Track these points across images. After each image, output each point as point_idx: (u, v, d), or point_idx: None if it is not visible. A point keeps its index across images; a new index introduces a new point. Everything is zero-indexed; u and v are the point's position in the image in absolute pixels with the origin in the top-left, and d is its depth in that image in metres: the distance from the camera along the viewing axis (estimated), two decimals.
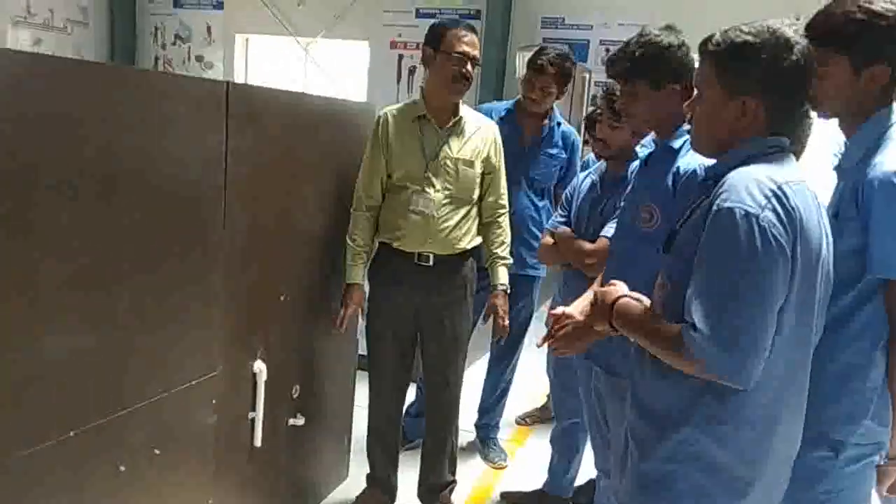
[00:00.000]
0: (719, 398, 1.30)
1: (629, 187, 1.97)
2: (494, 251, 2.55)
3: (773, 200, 1.24)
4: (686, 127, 1.75)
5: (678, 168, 1.78)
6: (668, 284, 1.38)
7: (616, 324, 1.44)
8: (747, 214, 1.22)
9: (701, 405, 1.33)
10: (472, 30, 2.35)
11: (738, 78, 1.32)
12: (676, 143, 1.82)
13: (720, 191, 1.28)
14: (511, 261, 2.60)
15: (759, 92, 1.32)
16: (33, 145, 1.38)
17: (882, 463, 1.53)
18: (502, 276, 2.54)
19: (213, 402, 1.97)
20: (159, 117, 1.66)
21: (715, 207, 1.26)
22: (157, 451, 1.78)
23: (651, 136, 1.92)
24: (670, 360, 1.32)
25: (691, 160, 1.75)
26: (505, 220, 2.56)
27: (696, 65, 1.80)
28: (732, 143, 1.35)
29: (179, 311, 1.81)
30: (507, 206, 2.57)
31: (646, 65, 1.80)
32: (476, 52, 2.32)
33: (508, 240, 2.57)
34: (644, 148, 1.93)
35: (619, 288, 1.47)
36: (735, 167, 1.32)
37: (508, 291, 2.56)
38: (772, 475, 1.37)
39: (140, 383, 1.71)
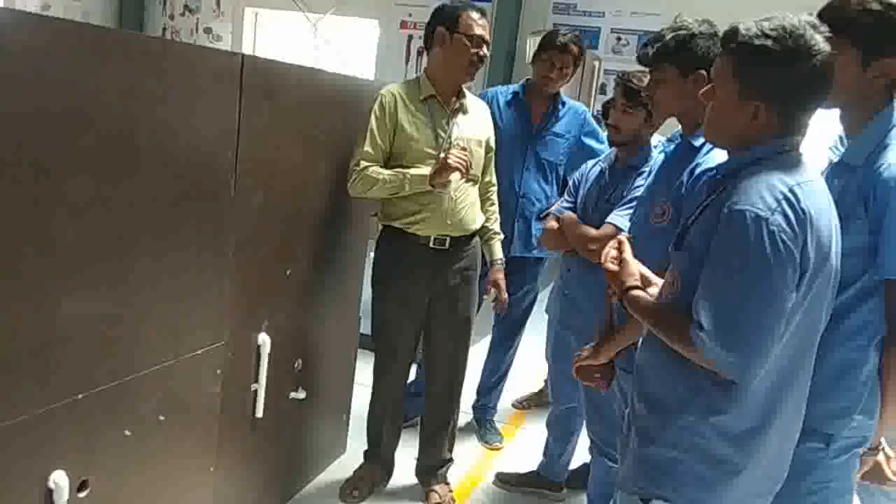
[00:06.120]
0: (720, 387, 1.33)
1: (650, 180, 1.98)
2: (491, 227, 2.63)
3: (784, 204, 1.24)
4: None
5: (696, 166, 1.78)
6: (678, 283, 1.39)
7: (628, 307, 1.47)
8: (757, 217, 1.23)
9: (703, 394, 1.35)
10: (483, 12, 2.38)
11: (754, 83, 1.31)
12: (698, 141, 1.82)
13: (732, 192, 1.29)
14: (503, 236, 2.68)
15: (773, 99, 1.30)
16: (53, 112, 1.39)
17: (863, 451, 1.57)
18: (499, 251, 2.65)
19: (219, 371, 2.00)
20: (175, 87, 1.67)
21: (726, 209, 1.27)
22: (162, 418, 1.81)
23: (677, 129, 1.93)
24: (679, 349, 1.35)
25: (712, 159, 1.75)
26: (495, 196, 2.66)
27: None
28: (744, 141, 1.36)
29: (190, 281, 1.84)
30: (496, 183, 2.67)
31: (674, 50, 1.80)
32: (488, 36, 2.36)
33: (498, 215, 2.67)
34: (671, 143, 1.94)
35: (636, 274, 1.50)
36: (746, 165, 1.33)
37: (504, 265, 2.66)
38: (767, 465, 1.40)
39: (149, 350, 1.74)
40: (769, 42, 1.27)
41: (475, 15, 2.32)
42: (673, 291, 1.41)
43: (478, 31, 2.30)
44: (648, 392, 1.46)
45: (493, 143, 2.55)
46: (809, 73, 1.28)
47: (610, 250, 1.53)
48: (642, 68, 2.09)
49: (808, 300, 1.31)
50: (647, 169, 2.32)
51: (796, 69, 1.27)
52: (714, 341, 1.26)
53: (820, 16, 1.49)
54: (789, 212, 1.24)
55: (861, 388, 1.53)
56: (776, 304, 1.25)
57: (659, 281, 1.50)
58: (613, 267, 1.51)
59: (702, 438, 1.36)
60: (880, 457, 1.59)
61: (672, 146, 1.92)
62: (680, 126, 1.91)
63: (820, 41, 1.28)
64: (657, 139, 2.43)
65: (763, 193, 1.25)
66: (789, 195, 1.26)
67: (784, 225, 1.24)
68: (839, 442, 1.54)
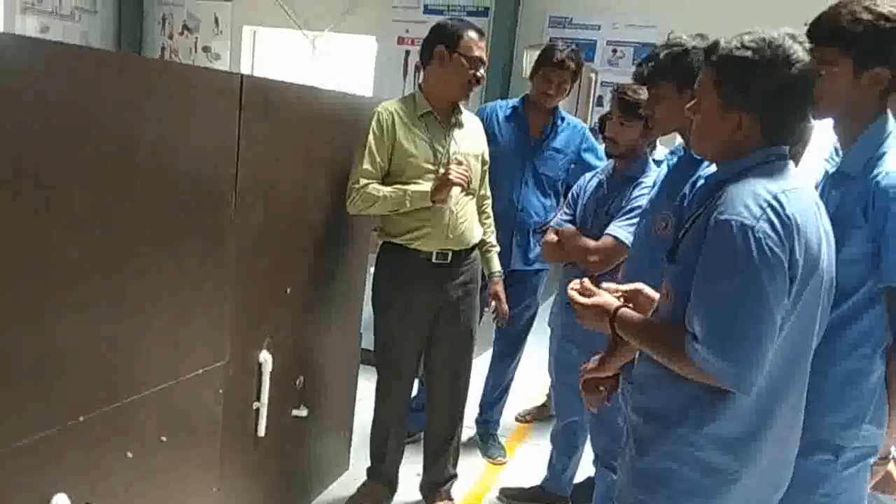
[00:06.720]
0: (715, 395, 1.33)
1: (653, 193, 1.99)
2: (488, 240, 2.64)
3: (769, 211, 1.26)
4: None
5: (698, 178, 1.79)
6: (671, 294, 1.40)
7: (619, 331, 1.46)
8: (743, 226, 1.25)
9: (700, 404, 1.36)
10: (482, 32, 2.40)
11: (735, 94, 1.33)
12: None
13: (718, 203, 1.31)
14: (499, 248, 2.69)
15: (754, 109, 1.33)
16: (55, 132, 1.40)
17: (873, 461, 1.56)
18: (497, 264, 2.67)
19: (220, 391, 1.99)
20: (175, 108, 1.68)
21: (712, 220, 1.29)
22: (164, 439, 1.80)
23: (680, 142, 1.93)
24: (674, 366, 1.35)
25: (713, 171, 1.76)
26: (490, 209, 2.67)
27: None
28: (731, 152, 1.37)
29: (191, 300, 1.83)
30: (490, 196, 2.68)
31: (669, 66, 1.81)
32: (486, 57, 2.38)
33: (494, 227, 2.69)
34: (673, 155, 1.95)
35: (615, 299, 1.50)
36: (734, 175, 1.35)
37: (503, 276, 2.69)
38: (764, 472, 1.39)
39: (150, 370, 1.73)
40: (748, 53, 1.30)
41: (475, 36, 2.33)
42: (667, 304, 1.42)
43: (477, 52, 2.32)
44: (646, 403, 1.46)
45: (487, 157, 2.57)
46: (789, 82, 1.30)
47: (574, 293, 1.52)
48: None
49: (798, 306, 1.31)
50: (646, 180, 2.33)
51: (775, 78, 1.30)
52: (709, 351, 1.26)
53: (813, 25, 1.50)
54: (774, 219, 1.26)
55: (868, 398, 1.52)
56: (768, 310, 1.26)
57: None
58: (587, 300, 1.49)
59: (697, 449, 1.36)
60: (890, 466, 1.58)
61: (675, 159, 1.93)
62: (681, 139, 1.92)
63: (799, 51, 1.30)
64: (662, 152, 2.44)
65: (748, 202, 1.27)
66: (774, 203, 1.27)
67: (770, 231, 1.25)
68: (848, 453, 1.53)
